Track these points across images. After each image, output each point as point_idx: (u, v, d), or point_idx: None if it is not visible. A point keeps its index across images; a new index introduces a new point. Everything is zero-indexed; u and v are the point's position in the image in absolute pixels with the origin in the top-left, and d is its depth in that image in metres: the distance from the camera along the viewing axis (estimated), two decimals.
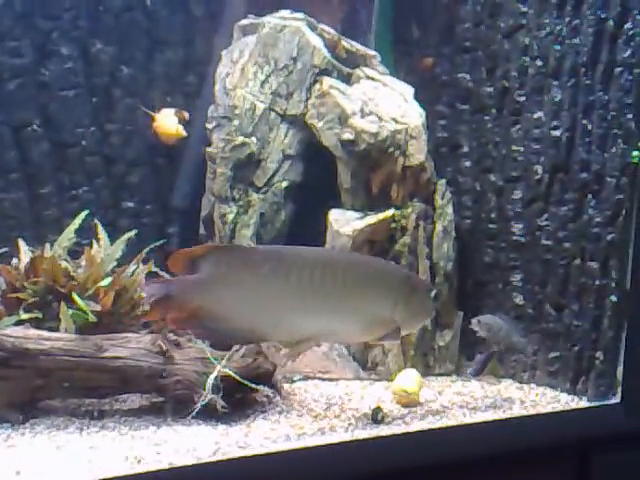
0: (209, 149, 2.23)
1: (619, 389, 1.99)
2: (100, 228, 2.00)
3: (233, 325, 1.67)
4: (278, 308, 1.71)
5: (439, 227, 2.22)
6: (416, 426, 1.82)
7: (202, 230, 2.26)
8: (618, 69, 2.05)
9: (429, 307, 1.89)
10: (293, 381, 2.06)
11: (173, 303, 1.66)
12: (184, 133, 2.24)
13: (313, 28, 2.28)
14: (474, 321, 2.09)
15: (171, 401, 1.78)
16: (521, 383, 2.17)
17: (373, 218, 2.18)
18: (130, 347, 1.77)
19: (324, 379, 2.10)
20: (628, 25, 2.03)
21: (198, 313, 1.66)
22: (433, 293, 1.90)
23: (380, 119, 2.20)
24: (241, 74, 2.24)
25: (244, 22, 2.30)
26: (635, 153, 2.02)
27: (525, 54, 2.21)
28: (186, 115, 2.25)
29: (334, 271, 1.75)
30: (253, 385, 1.81)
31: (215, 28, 2.35)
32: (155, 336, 1.81)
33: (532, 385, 2.15)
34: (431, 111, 2.31)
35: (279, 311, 1.71)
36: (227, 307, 1.67)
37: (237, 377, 1.78)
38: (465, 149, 2.32)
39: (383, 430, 1.79)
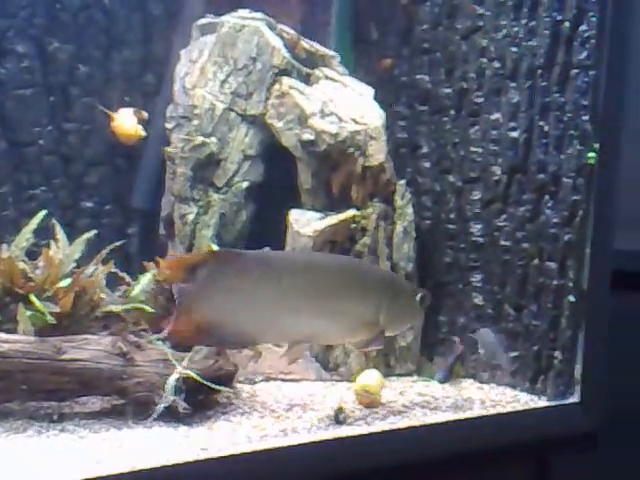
0: (168, 149, 2.21)
1: (577, 388, 2.02)
2: (58, 228, 1.97)
3: (226, 330, 1.69)
4: (268, 312, 1.73)
5: (399, 227, 2.23)
6: (378, 426, 1.82)
7: (162, 230, 2.24)
8: (574, 71, 2.07)
9: (414, 310, 1.93)
10: (255, 382, 2.05)
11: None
12: (143, 133, 2.22)
13: (272, 28, 2.27)
14: (478, 334, 2.12)
15: (132, 403, 1.76)
16: (481, 383, 2.18)
17: (334, 219, 2.19)
18: (90, 349, 1.75)
19: (286, 380, 2.09)
20: (583, 27, 2.05)
21: (199, 321, 1.68)
22: (419, 296, 1.91)
23: (340, 120, 2.20)
24: (200, 74, 2.23)
25: (203, 21, 2.28)
26: (591, 154, 2.04)
27: (483, 56, 2.23)
28: (145, 115, 2.23)
29: (321, 274, 1.80)
30: (215, 386, 1.80)
31: (174, 27, 2.33)
32: (115, 338, 1.79)
33: (492, 385, 2.17)
34: (390, 112, 2.31)
35: (269, 315, 1.74)
36: (221, 312, 1.69)
37: (199, 378, 1.77)
38: (424, 150, 2.34)
39: (345, 430, 1.79)
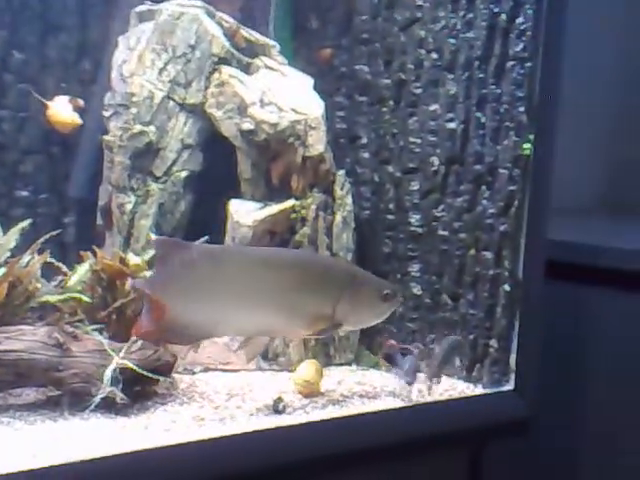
0: (106, 137, 2.18)
1: (512, 376, 2.06)
2: None
3: (180, 323, 1.72)
4: (220, 305, 1.76)
5: (338, 218, 2.23)
6: (317, 415, 1.83)
7: (99, 220, 2.21)
8: (510, 63, 2.10)
9: (375, 308, 1.92)
10: (194, 372, 2.04)
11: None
12: (80, 121, 2.18)
13: (211, 16, 2.25)
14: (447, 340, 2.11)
15: (68, 394, 1.74)
16: (419, 372, 2.20)
17: (273, 209, 2.18)
18: (25, 340, 1.72)
19: (225, 370, 2.08)
20: (520, 19, 2.08)
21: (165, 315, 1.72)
22: (383, 293, 1.90)
23: (280, 109, 2.20)
24: (138, 61, 2.20)
25: (141, 8, 2.25)
26: (526, 145, 2.08)
27: (421, 47, 2.24)
28: (81, 103, 2.20)
29: (275, 268, 1.81)
30: (153, 376, 1.79)
31: (111, 13, 2.29)
32: (51, 328, 1.76)
33: None
34: (330, 102, 2.32)
35: (221, 308, 1.76)
36: (181, 305, 1.73)
37: (136, 369, 1.76)
38: (364, 140, 2.34)
39: (284, 420, 1.80)
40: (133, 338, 1.79)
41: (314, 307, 1.83)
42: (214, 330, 1.79)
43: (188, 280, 1.75)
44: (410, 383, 1.97)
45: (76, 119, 2.18)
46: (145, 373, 1.77)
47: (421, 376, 2.02)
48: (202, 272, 1.76)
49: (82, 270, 1.92)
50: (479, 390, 2.08)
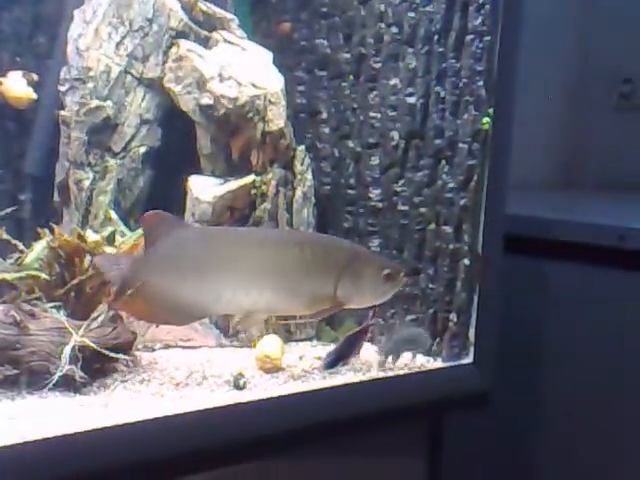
0: (63, 112, 2.15)
1: (471, 350, 2.08)
2: None
3: (174, 301, 1.75)
4: (216, 284, 1.78)
5: (299, 193, 2.23)
6: (278, 391, 1.83)
7: (57, 197, 2.18)
8: (469, 37, 2.10)
9: (376, 288, 1.90)
10: (154, 349, 2.03)
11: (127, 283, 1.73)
12: (34, 96, 2.15)
13: None
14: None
15: (26, 373, 1.71)
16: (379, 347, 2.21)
17: (233, 184, 2.17)
18: None
19: (186, 347, 2.08)
20: None
21: (142, 291, 1.74)
22: (385, 273, 1.89)
23: (239, 84, 2.18)
24: (95, 35, 2.17)
25: None
26: (485, 119, 2.08)
27: (381, 21, 2.23)
28: (34, 77, 2.16)
29: (271, 248, 1.84)
30: (112, 354, 1.78)
31: None
32: (8, 306, 1.74)
33: None
34: (290, 77, 2.30)
35: (217, 286, 1.78)
36: (172, 284, 1.76)
37: (95, 346, 1.75)
38: (324, 115, 2.33)
39: (245, 396, 1.80)
40: (93, 315, 1.78)
41: (314, 286, 1.84)
42: (211, 309, 1.81)
43: (184, 259, 1.77)
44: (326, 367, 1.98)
45: (30, 94, 2.14)
46: (104, 351, 1.76)
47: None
48: (199, 252, 1.79)
49: (39, 247, 1.89)
50: (439, 364, 2.10)
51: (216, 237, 1.88)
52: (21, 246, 1.92)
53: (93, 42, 2.16)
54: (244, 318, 1.88)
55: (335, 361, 1.98)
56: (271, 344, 1.99)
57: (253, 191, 2.18)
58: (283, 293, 1.83)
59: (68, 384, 1.72)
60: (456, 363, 2.09)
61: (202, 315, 1.89)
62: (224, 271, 1.80)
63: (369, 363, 2.05)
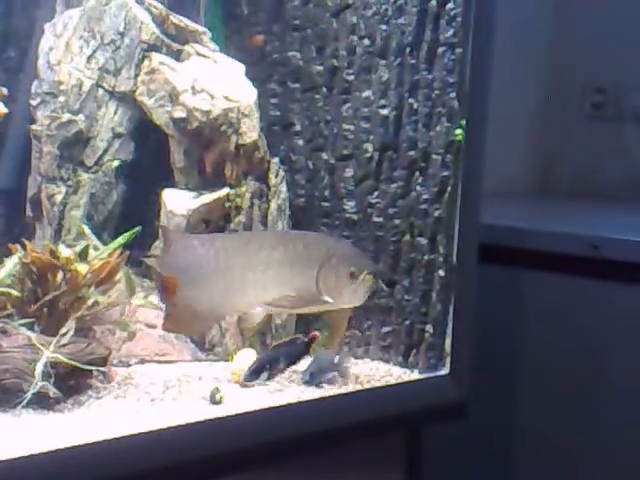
0: (34, 127, 2.13)
1: (447, 360, 2.08)
2: None
3: (190, 311, 1.89)
4: (222, 287, 1.90)
5: (273, 205, 2.22)
6: (254, 405, 1.82)
7: (29, 212, 2.16)
8: (441, 49, 2.11)
9: (347, 286, 1.94)
10: (129, 365, 2.01)
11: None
12: (5, 110, 2.13)
13: (140, 2, 2.21)
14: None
15: None
16: (356, 358, 2.20)
17: (207, 197, 2.16)
18: None
19: (161, 362, 2.06)
20: (450, 5, 2.09)
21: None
22: (350, 270, 1.92)
23: (212, 97, 2.17)
24: (66, 48, 2.15)
25: None
26: (458, 131, 2.10)
27: (353, 33, 2.24)
28: (4, 91, 2.13)
29: (258, 248, 1.93)
30: (86, 367, 1.76)
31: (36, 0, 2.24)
32: None
33: (366, 360, 2.19)
34: (262, 89, 2.30)
35: (223, 289, 1.90)
36: (200, 291, 1.90)
37: (69, 361, 1.73)
38: (297, 127, 2.33)
39: (221, 410, 1.78)
40: (62, 331, 1.76)
41: (299, 283, 1.91)
42: (221, 310, 1.93)
43: (193, 268, 1.89)
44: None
45: (1, 109, 2.12)
46: (79, 365, 1.74)
47: None
48: (203, 259, 1.90)
49: (11, 263, 1.87)
50: (415, 375, 2.10)
51: (215, 243, 1.95)
52: None
53: (64, 56, 2.15)
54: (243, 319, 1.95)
55: (254, 373, 1.93)
56: (247, 358, 1.98)
57: (227, 204, 2.18)
58: (276, 288, 1.90)
59: (42, 401, 1.70)
60: (432, 375, 2.09)
61: (216, 319, 2.02)
62: (226, 274, 1.90)
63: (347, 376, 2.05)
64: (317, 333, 2.04)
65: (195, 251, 1.92)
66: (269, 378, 1.93)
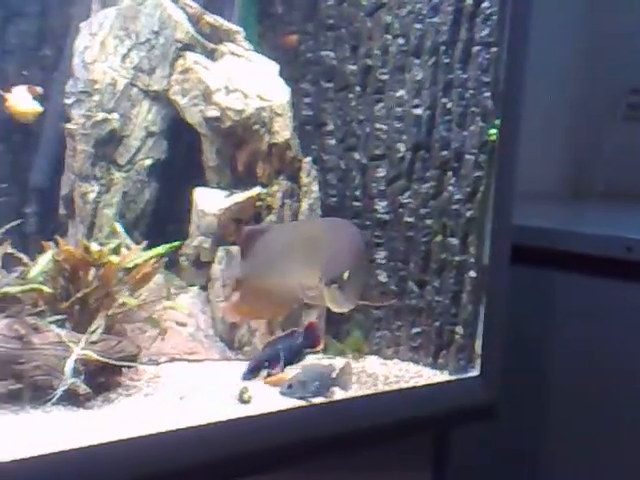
0: (68, 125, 2.15)
1: (478, 362, 2.06)
2: None
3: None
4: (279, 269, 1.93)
5: (305, 205, 2.22)
6: (282, 405, 1.83)
7: (62, 210, 2.18)
8: (476, 48, 2.10)
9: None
10: (158, 363, 2.03)
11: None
12: (40, 109, 2.15)
13: (175, 1, 2.23)
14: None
15: (30, 388, 1.71)
16: (385, 359, 2.20)
17: (239, 197, 2.17)
18: None
19: (190, 360, 2.07)
20: (485, 4, 2.08)
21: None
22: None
23: (245, 96, 2.18)
24: (101, 48, 2.17)
25: None
26: (492, 131, 2.08)
27: (387, 32, 2.23)
28: (39, 90, 2.16)
29: (301, 234, 1.99)
30: (117, 363, 1.77)
31: None
32: (12, 320, 1.74)
33: (395, 361, 2.19)
34: (296, 89, 2.30)
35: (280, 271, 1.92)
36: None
37: (100, 358, 1.74)
38: (330, 127, 2.33)
39: (250, 410, 1.79)
40: (92, 328, 1.78)
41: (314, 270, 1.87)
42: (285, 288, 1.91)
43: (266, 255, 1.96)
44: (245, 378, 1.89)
45: (36, 108, 2.14)
46: (109, 361, 1.76)
47: None
48: (274, 247, 1.96)
49: (44, 260, 1.89)
50: (445, 377, 2.09)
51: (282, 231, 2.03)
52: (25, 259, 1.92)
53: (99, 55, 2.17)
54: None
55: (251, 371, 1.89)
56: None
57: (259, 203, 2.18)
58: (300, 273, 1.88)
59: (72, 398, 1.72)
60: (462, 376, 2.08)
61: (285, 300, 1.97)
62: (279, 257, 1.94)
63: (375, 375, 2.04)
64: (315, 321, 2.03)
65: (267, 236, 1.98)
66: (269, 376, 1.90)
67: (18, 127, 2.18)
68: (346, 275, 1.77)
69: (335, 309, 1.84)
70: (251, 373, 1.88)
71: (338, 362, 2.00)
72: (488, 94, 2.08)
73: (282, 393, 1.83)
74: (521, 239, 2.13)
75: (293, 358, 1.90)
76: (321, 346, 1.98)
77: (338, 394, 1.88)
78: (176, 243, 2.04)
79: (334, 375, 1.88)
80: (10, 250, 1.89)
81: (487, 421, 2.03)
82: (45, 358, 1.73)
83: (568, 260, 2.25)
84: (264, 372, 1.89)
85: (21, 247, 1.96)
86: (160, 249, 2.00)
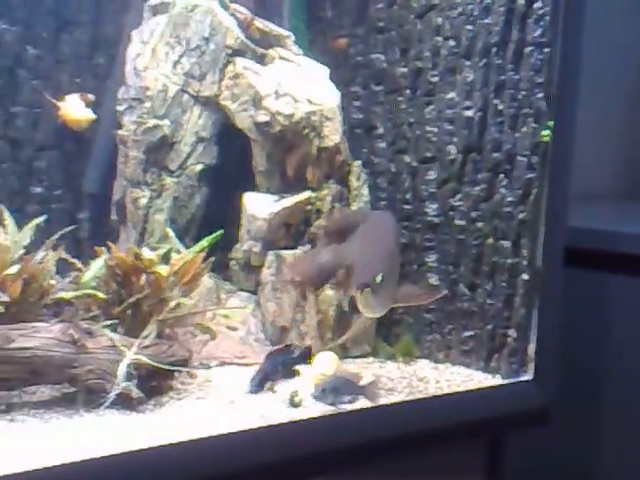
0: (120, 132, 2.18)
1: (531, 366, 2.04)
2: (6, 214, 1.92)
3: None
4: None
5: (354, 208, 2.21)
6: (333, 409, 1.82)
7: (114, 215, 2.21)
8: (528, 48, 2.07)
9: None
10: (209, 367, 2.03)
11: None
12: (93, 116, 2.18)
13: (225, 7, 2.24)
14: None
15: (83, 391, 1.74)
16: (436, 363, 2.18)
17: (289, 201, 2.17)
18: (39, 337, 1.71)
19: (241, 364, 2.07)
20: (538, 4, 2.05)
21: None
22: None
23: (295, 100, 2.18)
24: (152, 55, 2.20)
25: (154, 1, 2.24)
26: (545, 132, 2.05)
27: (438, 34, 2.21)
28: (91, 98, 2.19)
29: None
30: (168, 367, 1.79)
31: (125, 7, 2.29)
32: (66, 325, 1.76)
33: (447, 364, 2.17)
34: (346, 92, 2.29)
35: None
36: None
37: (152, 362, 1.76)
38: (380, 130, 2.32)
39: (300, 414, 1.79)
40: (144, 333, 1.79)
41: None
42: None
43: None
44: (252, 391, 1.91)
45: (89, 115, 2.17)
46: (161, 366, 1.77)
47: None
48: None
49: (96, 266, 1.92)
50: (497, 381, 2.06)
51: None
52: (79, 264, 1.95)
53: (151, 62, 2.19)
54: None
55: (259, 384, 1.92)
56: (326, 361, 1.98)
57: (308, 207, 2.18)
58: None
59: (125, 402, 1.73)
60: (515, 380, 2.05)
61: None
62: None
63: (427, 379, 2.03)
64: (311, 345, 2.06)
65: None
66: (272, 387, 1.92)
67: (71, 134, 2.22)
68: (379, 278, 1.76)
69: (368, 314, 1.84)
70: (260, 386, 1.91)
71: (366, 374, 1.99)
72: (541, 95, 2.05)
73: (315, 397, 1.82)
74: (575, 241, 2.09)
75: (289, 372, 1.96)
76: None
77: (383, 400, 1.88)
78: (218, 233, 2.03)
79: (361, 384, 1.87)
80: (64, 255, 1.91)
81: (541, 426, 2.00)
82: (98, 362, 1.74)
83: (623, 262, 2.21)
84: (269, 383, 1.93)
85: (74, 252, 1.99)
86: (204, 242, 2.01)
